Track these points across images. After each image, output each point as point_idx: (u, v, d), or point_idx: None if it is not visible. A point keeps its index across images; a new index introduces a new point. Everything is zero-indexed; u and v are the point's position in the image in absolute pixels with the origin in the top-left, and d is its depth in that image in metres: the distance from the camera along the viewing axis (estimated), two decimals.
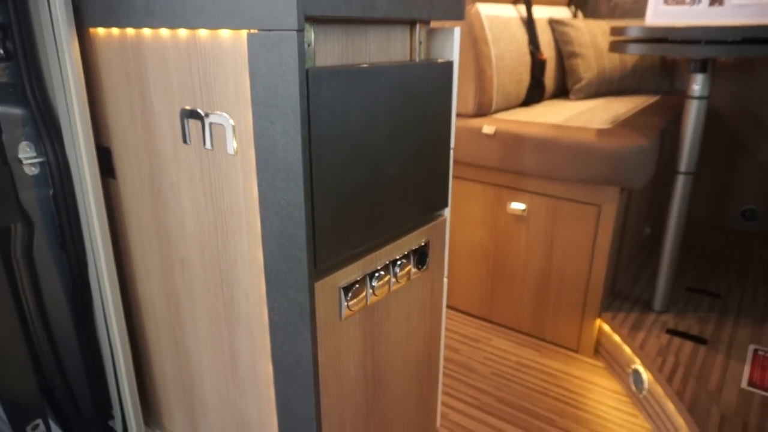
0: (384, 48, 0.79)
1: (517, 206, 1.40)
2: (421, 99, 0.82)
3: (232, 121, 0.71)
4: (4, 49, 1.02)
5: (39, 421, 1.11)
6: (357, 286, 0.78)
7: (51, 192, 1.03)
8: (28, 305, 1.12)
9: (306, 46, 0.65)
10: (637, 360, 1.24)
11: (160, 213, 0.92)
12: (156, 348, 1.10)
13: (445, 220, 0.97)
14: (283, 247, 0.69)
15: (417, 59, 0.84)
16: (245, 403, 0.90)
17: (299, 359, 0.74)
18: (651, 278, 1.59)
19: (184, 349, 1.00)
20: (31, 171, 1.04)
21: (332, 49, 0.70)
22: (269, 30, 0.62)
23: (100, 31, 0.88)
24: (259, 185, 0.70)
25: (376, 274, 0.82)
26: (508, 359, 1.43)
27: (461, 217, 1.53)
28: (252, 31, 0.64)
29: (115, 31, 0.85)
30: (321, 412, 0.78)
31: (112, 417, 1.23)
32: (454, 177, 1.52)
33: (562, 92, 1.84)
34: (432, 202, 0.91)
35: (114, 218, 1.05)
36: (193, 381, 1.02)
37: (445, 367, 1.41)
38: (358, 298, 0.78)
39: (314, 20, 0.64)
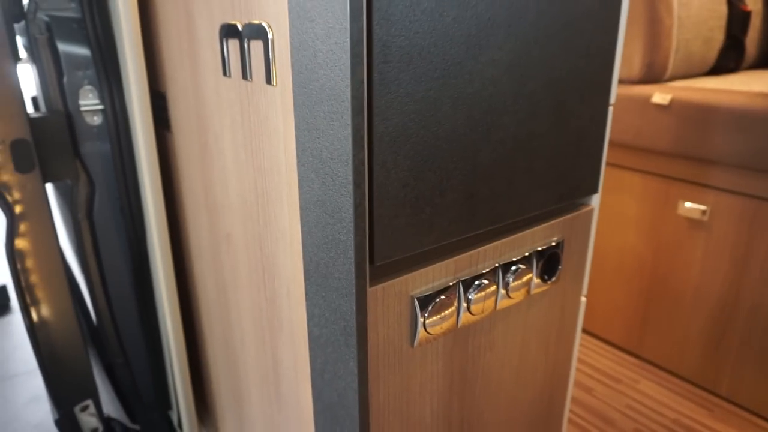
0: None
1: (695, 207, 1.01)
2: (570, 17, 0.52)
3: (270, 33, 0.47)
4: None
5: (89, 401, 1.00)
6: (443, 297, 0.51)
7: (110, 146, 0.89)
8: (90, 273, 1.01)
9: None
10: None
11: (207, 174, 0.72)
12: (210, 341, 0.92)
13: (591, 211, 0.65)
14: (325, 225, 0.44)
15: None
16: None
17: (342, 398, 0.49)
18: None
19: (232, 349, 0.81)
20: (93, 120, 0.91)
21: None
22: None
23: None
24: (296, 127, 0.45)
25: (476, 283, 0.54)
26: (661, 413, 1.05)
27: (607, 214, 1.17)
28: None
29: None
30: None
31: (171, 407, 1.10)
32: None
33: None
34: (573, 183, 0.60)
35: (171, 181, 0.89)
36: (241, 389, 0.82)
37: (571, 412, 1.07)
38: (442, 316, 0.51)
39: None
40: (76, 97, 0.88)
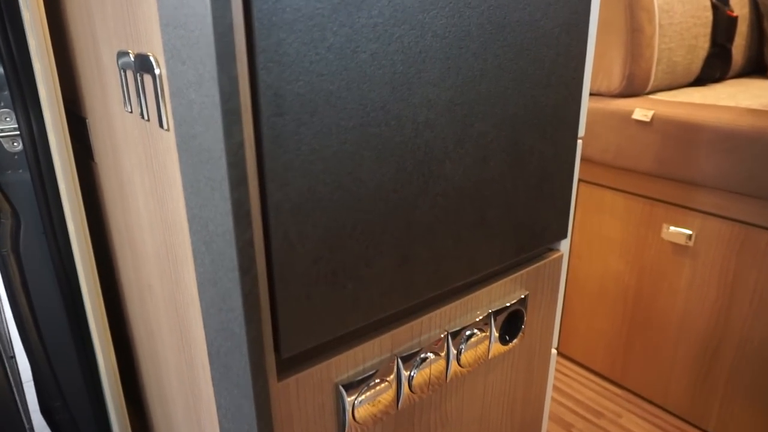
0: None
1: (680, 231, 0.94)
2: (524, 44, 0.44)
3: (158, 68, 0.39)
4: None
5: None
6: (377, 380, 0.42)
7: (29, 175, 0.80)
8: (20, 311, 0.92)
9: None
10: None
11: (127, 216, 0.64)
12: (147, 383, 0.84)
13: (560, 258, 0.57)
14: (220, 309, 0.36)
15: None
16: None
17: None
18: None
19: (165, 401, 0.72)
20: (13, 147, 0.82)
21: None
22: None
23: None
24: (185, 189, 0.37)
25: (420, 357, 0.45)
26: None
27: (588, 236, 1.10)
28: None
29: None
30: None
31: None
32: (583, 181, 1.09)
33: (757, 68, 1.29)
34: (537, 230, 0.52)
35: (100, 214, 0.80)
36: None
37: None
38: (376, 400, 0.43)
39: None
40: None
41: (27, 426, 0.99)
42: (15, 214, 0.84)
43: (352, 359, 0.41)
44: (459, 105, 0.40)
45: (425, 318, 0.45)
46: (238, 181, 0.30)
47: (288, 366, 0.38)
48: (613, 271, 1.08)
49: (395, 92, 0.36)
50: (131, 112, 0.49)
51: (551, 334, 0.61)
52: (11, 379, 0.93)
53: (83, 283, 0.80)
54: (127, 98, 0.48)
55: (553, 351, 0.63)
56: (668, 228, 0.95)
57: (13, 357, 1.02)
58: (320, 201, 0.34)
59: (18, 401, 0.94)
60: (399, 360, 0.44)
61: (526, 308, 0.55)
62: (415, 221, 0.40)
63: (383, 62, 0.35)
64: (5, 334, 1.02)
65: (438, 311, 0.46)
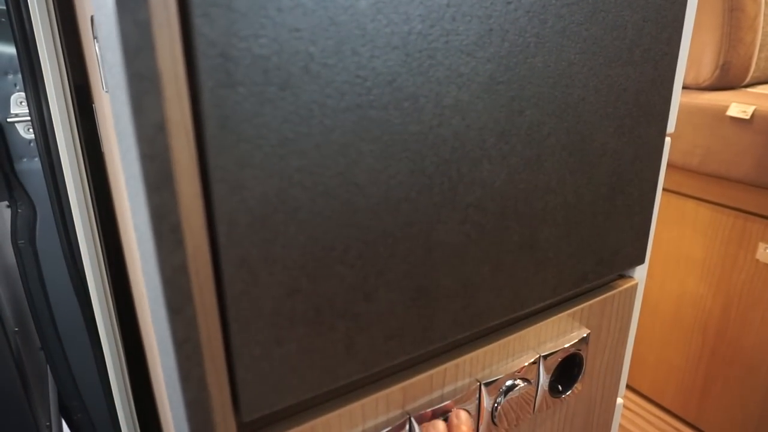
0: None
1: None
2: (601, 2, 0.32)
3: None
4: None
5: None
6: None
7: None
8: (36, 308, 0.88)
9: None
10: None
11: (120, 212, 0.56)
12: (158, 401, 0.77)
13: (634, 288, 0.45)
14: (165, 352, 0.27)
15: None
16: None
17: None
18: None
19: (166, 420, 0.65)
20: (30, 133, 0.77)
21: None
22: None
23: None
24: (126, 187, 0.28)
25: (441, 418, 0.35)
26: None
27: (663, 252, 0.95)
28: None
29: None
30: None
31: None
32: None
33: None
34: (606, 253, 0.40)
35: (111, 207, 0.74)
36: None
37: None
38: None
39: None
40: (7, 106, 0.74)
41: (46, 423, 0.95)
42: (32, 205, 0.80)
43: (347, 419, 0.31)
44: (503, 83, 0.29)
45: (450, 365, 0.35)
46: (157, 181, 0.20)
47: (253, 429, 0.29)
48: (692, 295, 0.92)
49: (410, 61, 0.26)
50: (107, 91, 0.41)
51: (617, 381, 0.49)
52: (28, 374, 0.89)
53: (90, 279, 0.74)
54: (101, 74, 0.40)
55: (619, 401, 0.51)
56: (766, 248, 0.79)
57: (42, 349, 0.99)
58: (296, 212, 0.24)
59: (35, 398, 0.90)
60: (412, 419, 0.34)
61: (586, 351, 0.43)
62: (437, 241, 0.30)
63: (392, 16, 0.24)
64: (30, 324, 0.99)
65: (468, 356, 0.35)
